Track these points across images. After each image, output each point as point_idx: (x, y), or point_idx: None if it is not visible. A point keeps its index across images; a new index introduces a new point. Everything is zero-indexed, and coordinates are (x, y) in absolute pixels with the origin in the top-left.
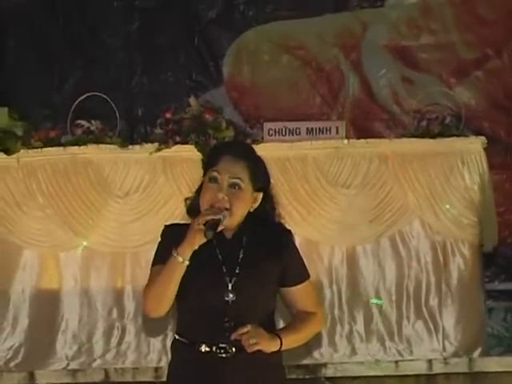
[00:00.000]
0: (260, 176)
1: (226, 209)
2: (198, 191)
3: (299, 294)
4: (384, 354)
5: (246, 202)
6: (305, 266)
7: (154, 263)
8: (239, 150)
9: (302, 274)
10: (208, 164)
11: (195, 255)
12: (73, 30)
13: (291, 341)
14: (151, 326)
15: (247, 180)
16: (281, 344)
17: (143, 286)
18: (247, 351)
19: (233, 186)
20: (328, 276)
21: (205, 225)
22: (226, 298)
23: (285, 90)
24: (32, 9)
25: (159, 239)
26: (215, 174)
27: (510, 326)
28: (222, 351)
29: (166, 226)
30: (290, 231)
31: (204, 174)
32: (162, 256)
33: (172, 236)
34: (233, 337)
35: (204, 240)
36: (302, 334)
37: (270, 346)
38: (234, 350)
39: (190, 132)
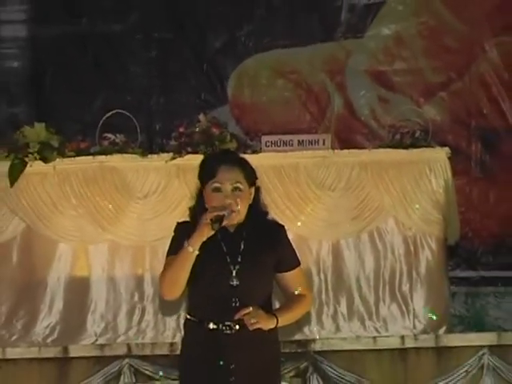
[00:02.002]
0: (250, 173)
1: (234, 211)
2: (198, 199)
3: (291, 279)
4: (364, 331)
5: (248, 199)
6: (296, 255)
7: (168, 254)
8: (230, 158)
9: (293, 262)
10: (206, 175)
11: (204, 248)
12: (101, 58)
13: (285, 319)
14: (167, 307)
15: (244, 181)
16: (277, 322)
17: (160, 274)
18: (249, 329)
19: (235, 189)
20: (316, 266)
21: (212, 220)
22: (231, 283)
23: (280, 108)
24: (66, 41)
25: (172, 234)
26: (217, 184)
27: (470, 307)
28: (227, 328)
29: (178, 223)
30: (283, 226)
31: (202, 183)
32: (175, 248)
33: (183, 231)
34: (236, 316)
35: (211, 233)
36: (294, 313)
37: (267, 324)
38: (237, 327)
39: (200, 144)
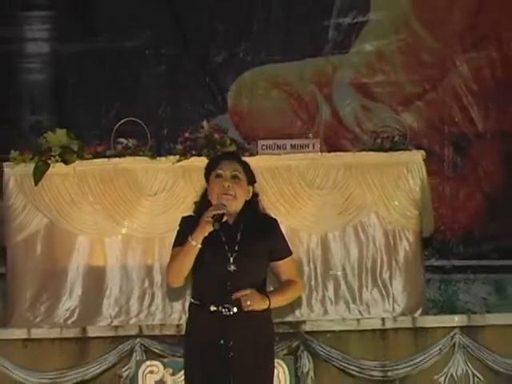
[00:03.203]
0: (249, 171)
1: (230, 194)
2: (202, 196)
3: (284, 267)
4: (348, 314)
5: (245, 190)
6: (288, 246)
7: (174, 245)
8: (232, 156)
9: (286, 252)
10: (210, 169)
11: (205, 238)
12: (115, 72)
13: (277, 301)
14: (173, 293)
15: (243, 173)
16: (269, 303)
17: (167, 264)
18: (244, 310)
19: (234, 177)
20: (306, 256)
21: (212, 217)
22: (229, 269)
23: (274, 116)
24: (85, 56)
25: (178, 227)
26: (220, 171)
27: (443, 292)
28: (226, 310)
29: (183, 217)
30: (275, 219)
31: (207, 179)
32: (180, 240)
33: (187, 225)
34: (234, 296)
35: (212, 229)
36: (286, 296)
37: (260, 305)
38: (235, 309)
39: (203, 147)
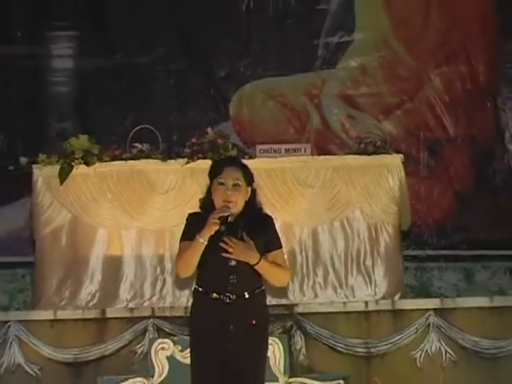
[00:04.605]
0: (249, 175)
1: (231, 201)
2: (207, 193)
3: (274, 256)
4: (336, 297)
5: (244, 194)
6: (279, 240)
7: (181, 239)
8: (234, 162)
9: (277, 244)
10: (214, 173)
11: (210, 235)
12: (131, 84)
13: (265, 266)
14: (182, 280)
15: (243, 180)
16: (259, 261)
17: (176, 256)
18: (243, 298)
19: (235, 185)
20: (299, 246)
21: (219, 219)
22: (230, 264)
23: (270, 124)
24: (104, 71)
25: (185, 222)
26: (222, 180)
27: (419, 279)
28: (227, 298)
29: (189, 213)
30: (270, 216)
31: (210, 180)
32: (187, 235)
33: (193, 221)
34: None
35: (217, 228)
36: (273, 269)
37: (251, 257)
38: (234, 296)
39: (208, 151)
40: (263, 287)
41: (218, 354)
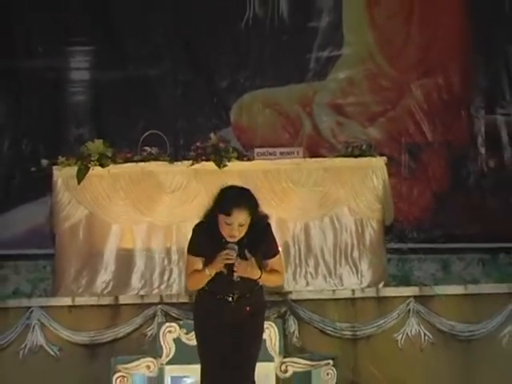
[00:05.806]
0: (254, 208)
1: (236, 236)
2: (212, 211)
3: (273, 263)
4: (326, 286)
5: (247, 226)
6: (277, 246)
7: (189, 251)
8: (241, 200)
9: (274, 251)
10: (221, 209)
11: (217, 251)
12: (141, 94)
13: (265, 278)
14: None
15: (248, 218)
16: (260, 276)
17: (183, 245)
18: (245, 297)
19: (240, 225)
20: (292, 240)
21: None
22: (233, 279)
23: (267, 129)
24: (117, 82)
25: (191, 233)
26: (228, 221)
27: (401, 269)
28: (229, 297)
29: (195, 225)
30: (269, 224)
31: (217, 209)
32: (194, 249)
33: (199, 233)
34: (236, 272)
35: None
36: (271, 278)
37: (254, 274)
38: (235, 297)
39: (211, 154)
40: (261, 283)
41: (218, 330)
